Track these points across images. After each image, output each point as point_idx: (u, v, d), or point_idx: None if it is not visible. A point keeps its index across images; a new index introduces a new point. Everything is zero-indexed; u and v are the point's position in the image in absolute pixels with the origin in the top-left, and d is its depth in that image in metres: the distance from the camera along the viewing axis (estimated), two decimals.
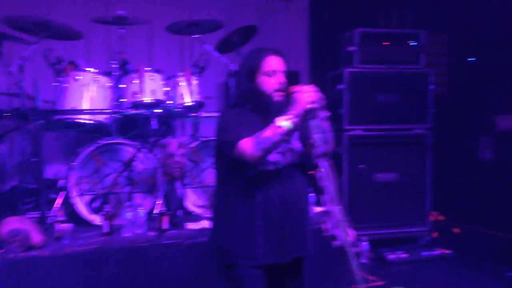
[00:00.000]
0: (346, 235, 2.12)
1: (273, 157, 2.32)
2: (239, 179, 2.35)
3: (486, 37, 5.96)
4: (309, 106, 2.21)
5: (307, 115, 2.23)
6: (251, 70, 2.37)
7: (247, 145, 2.22)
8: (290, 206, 2.35)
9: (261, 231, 2.33)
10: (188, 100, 4.36)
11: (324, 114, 2.28)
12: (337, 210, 2.13)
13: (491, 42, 5.90)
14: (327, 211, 2.16)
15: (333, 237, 2.17)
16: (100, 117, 4.10)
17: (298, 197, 2.38)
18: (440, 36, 6.51)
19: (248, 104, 2.38)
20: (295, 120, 2.21)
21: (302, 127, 2.34)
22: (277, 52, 2.39)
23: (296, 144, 2.43)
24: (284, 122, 2.19)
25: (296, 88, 2.26)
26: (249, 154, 2.21)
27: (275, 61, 2.36)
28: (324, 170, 2.15)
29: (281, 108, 2.28)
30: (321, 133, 2.19)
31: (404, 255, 4.81)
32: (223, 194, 2.47)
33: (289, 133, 2.23)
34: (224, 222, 2.44)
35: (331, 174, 2.14)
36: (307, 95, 2.21)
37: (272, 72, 2.34)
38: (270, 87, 2.34)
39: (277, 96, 2.34)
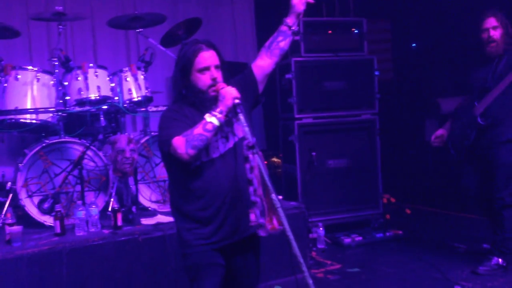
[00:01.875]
0: (284, 221, 2.15)
1: (216, 145, 2.37)
2: (182, 171, 2.38)
3: (427, 23, 6.16)
4: (234, 102, 2.26)
5: (234, 109, 2.28)
6: (184, 66, 2.40)
7: (178, 144, 2.25)
8: (238, 188, 2.39)
9: (206, 216, 2.38)
10: (135, 96, 4.30)
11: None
12: (273, 197, 2.16)
13: (433, 28, 6.10)
14: (253, 201, 2.20)
15: (259, 226, 2.21)
16: (45, 116, 3.99)
17: (244, 179, 2.38)
18: (383, 23, 6.68)
19: (185, 99, 2.41)
20: (223, 115, 2.27)
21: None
22: (209, 46, 2.40)
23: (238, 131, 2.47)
24: (212, 118, 2.25)
25: (221, 85, 2.32)
26: (181, 153, 2.25)
27: (208, 55, 2.37)
28: (251, 162, 2.18)
29: (216, 103, 2.32)
30: (246, 126, 2.23)
31: (359, 238, 4.93)
32: (174, 187, 2.51)
33: (218, 128, 2.27)
34: (179, 214, 2.47)
35: (261, 166, 2.17)
36: (231, 91, 2.27)
37: (205, 68, 2.36)
38: (204, 84, 2.37)
39: (211, 92, 2.37)
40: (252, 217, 2.23)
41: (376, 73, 5.36)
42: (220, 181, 2.37)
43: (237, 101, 2.25)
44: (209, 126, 2.25)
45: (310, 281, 2.10)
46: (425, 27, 6.20)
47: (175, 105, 2.46)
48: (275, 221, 2.24)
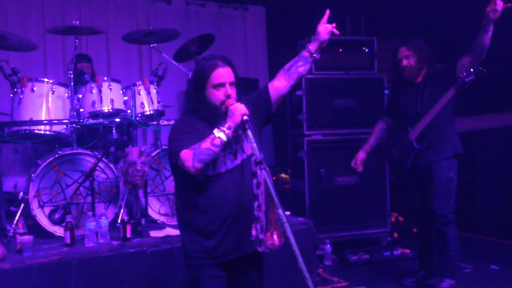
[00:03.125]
0: (290, 237, 2.17)
1: (223, 160, 2.40)
2: (190, 185, 2.42)
3: (436, 42, 6.18)
4: (244, 117, 2.29)
5: (242, 126, 2.31)
6: (200, 80, 2.44)
7: (186, 157, 2.29)
8: (243, 204, 2.41)
9: (211, 230, 2.41)
10: (147, 109, 4.36)
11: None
12: (280, 212, 2.18)
13: (441, 47, 6.12)
14: (256, 216, 2.22)
15: (259, 241, 2.23)
16: (59, 128, 4.05)
17: (247, 194, 2.41)
18: (393, 42, 6.70)
19: (197, 113, 2.45)
20: (231, 131, 2.31)
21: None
22: (226, 62, 2.44)
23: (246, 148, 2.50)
24: (220, 133, 2.29)
25: (230, 101, 2.36)
26: (188, 166, 2.29)
27: (224, 72, 2.41)
28: (258, 177, 2.21)
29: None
30: (254, 142, 2.26)
31: (366, 256, 4.92)
32: (180, 199, 2.55)
33: (226, 144, 2.31)
34: (184, 225, 2.51)
35: (268, 181, 2.19)
36: (240, 107, 2.31)
37: (220, 85, 2.40)
38: (218, 99, 2.41)
39: (225, 108, 2.40)
40: (253, 232, 2.26)
41: (386, 91, 5.39)
42: (225, 197, 2.40)
43: (245, 117, 2.29)
44: (217, 141, 2.28)
45: None
46: (434, 46, 6.21)
47: (186, 117, 2.50)
48: (275, 237, 2.25)
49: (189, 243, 2.47)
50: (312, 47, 2.59)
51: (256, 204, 2.22)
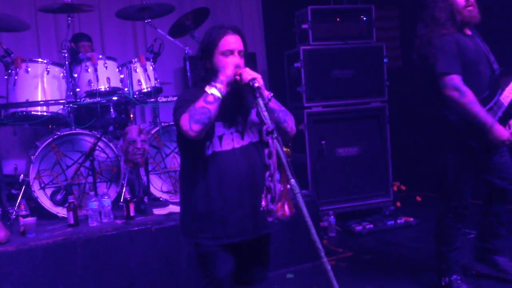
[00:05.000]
0: (303, 208, 2.13)
1: (230, 137, 2.35)
2: (197, 160, 2.36)
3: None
4: (235, 71, 2.23)
5: (252, 93, 2.22)
6: (208, 48, 2.35)
7: (184, 121, 2.22)
8: (250, 184, 2.36)
9: (220, 211, 2.35)
10: (145, 87, 4.30)
11: (268, 94, 2.29)
12: (292, 183, 2.14)
13: None
14: (267, 186, 2.18)
15: (269, 212, 2.20)
16: (55, 108, 4.00)
17: (258, 175, 2.38)
18: (390, 10, 6.62)
19: (204, 83, 2.35)
20: (223, 85, 2.23)
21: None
22: (236, 31, 2.36)
23: (255, 123, 2.44)
24: (212, 89, 2.22)
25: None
26: (186, 130, 2.20)
27: (233, 39, 2.33)
28: (270, 147, 2.16)
29: (236, 88, 2.30)
30: (266, 111, 2.20)
31: (370, 226, 4.93)
32: (185, 176, 2.48)
33: (219, 100, 2.23)
34: (188, 204, 2.44)
35: (279, 151, 2.15)
36: (234, 61, 2.25)
37: (229, 51, 2.32)
38: (227, 68, 2.31)
39: (236, 76, 2.31)
40: (263, 202, 2.22)
41: (385, 60, 5.33)
42: (233, 176, 2.33)
43: (256, 84, 2.20)
44: (210, 98, 2.21)
45: (329, 267, 2.08)
46: None
47: (193, 88, 2.43)
48: (286, 207, 2.22)
49: (193, 222, 2.40)
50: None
51: (267, 174, 2.16)
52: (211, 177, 2.34)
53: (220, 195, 2.34)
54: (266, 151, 2.16)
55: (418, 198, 5.84)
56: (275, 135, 2.14)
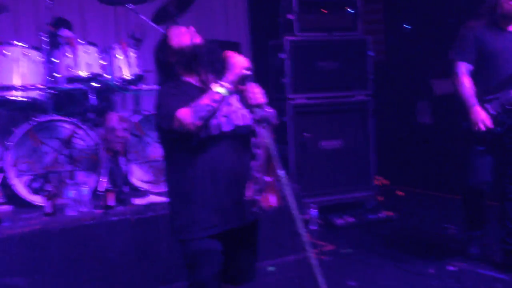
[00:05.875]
0: (291, 200, 2.08)
1: (216, 121, 2.26)
2: (182, 152, 2.29)
3: (420, 3, 6.09)
4: (243, 72, 2.19)
5: (241, 81, 2.20)
6: (162, 42, 2.39)
7: (184, 115, 2.15)
8: (238, 171, 2.29)
9: (209, 200, 2.28)
10: (126, 73, 4.20)
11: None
12: (281, 174, 2.09)
13: (426, 8, 6.04)
14: (254, 176, 2.13)
15: (254, 203, 2.14)
16: (34, 94, 3.88)
17: (245, 161, 2.32)
18: (375, 3, 6.60)
19: (175, 71, 2.33)
20: (230, 85, 2.18)
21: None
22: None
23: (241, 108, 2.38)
24: (220, 88, 2.17)
25: (229, 53, 2.24)
26: (188, 124, 2.15)
27: (179, 27, 2.40)
28: (258, 136, 2.11)
29: (211, 53, 2.29)
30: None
31: (351, 219, 4.92)
32: (170, 169, 2.40)
33: (224, 98, 2.18)
34: (175, 197, 2.37)
35: (268, 141, 2.09)
36: (241, 60, 2.20)
37: (180, 31, 2.36)
38: (186, 40, 2.33)
39: (197, 40, 2.32)
40: (249, 192, 2.17)
41: (370, 53, 5.30)
42: (221, 162, 2.27)
43: (246, 72, 2.17)
44: (216, 97, 2.16)
45: (315, 262, 2.03)
46: (418, 7, 6.14)
47: (170, 83, 2.36)
48: (272, 199, 2.17)
49: (183, 216, 2.32)
50: None
51: (254, 164, 2.12)
52: (200, 166, 2.27)
53: (209, 183, 2.27)
54: (254, 140, 2.11)
55: (400, 193, 5.88)
56: (265, 124, 2.08)
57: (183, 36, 2.35)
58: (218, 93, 2.16)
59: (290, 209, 2.05)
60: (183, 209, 2.32)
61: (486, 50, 3.52)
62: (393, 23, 6.62)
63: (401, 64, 6.42)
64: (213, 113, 2.17)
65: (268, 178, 2.15)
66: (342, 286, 3.57)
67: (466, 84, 3.54)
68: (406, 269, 3.77)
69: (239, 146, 2.32)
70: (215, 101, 2.15)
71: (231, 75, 2.18)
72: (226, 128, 2.27)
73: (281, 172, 2.08)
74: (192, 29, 2.39)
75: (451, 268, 3.74)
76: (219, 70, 2.27)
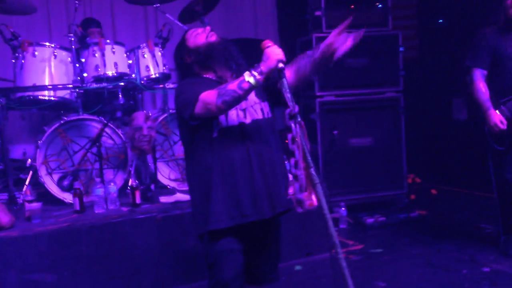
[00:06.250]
0: (322, 198, 2.02)
1: (235, 113, 2.25)
2: (202, 145, 2.27)
3: None
4: (279, 64, 2.12)
5: (275, 73, 2.14)
6: (180, 46, 2.41)
7: (209, 96, 2.13)
8: (259, 165, 2.26)
9: (228, 192, 2.25)
10: (153, 72, 4.23)
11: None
12: (312, 172, 2.03)
13: (460, 2, 5.89)
14: (295, 174, 2.06)
15: (298, 202, 2.09)
16: (63, 93, 3.96)
17: (268, 156, 2.29)
18: None
19: (193, 70, 2.36)
20: (262, 77, 2.12)
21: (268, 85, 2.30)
22: None
23: (266, 108, 2.36)
24: (250, 78, 2.10)
25: (267, 42, 2.17)
26: (212, 103, 2.12)
27: (195, 29, 2.42)
28: (293, 132, 2.05)
29: (225, 50, 2.29)
30: (289, 93, 2.09)
31: (382, 219, 4.81)
32: (191, 163, 2.39)
33: (253, 89, 2.14)
34: (196, 192, 2.36)
35: (302, 136, 2.04)
36: (277, 51, 2.13)
37: (196, 31, 2.38)
38: (201, 39, 2.35)
39: (212, 38, 2.33)
40: (291, 190, 2.11)
41: (401, 49, 5.18)
42: (242, 154, 2.24)
43: (281, 65, 2.11)
44: (245, 85, 2.10)
45: (344, 263, 1.97)
46: (452, 2, 5.98)
47: (188, 79, 2.37)
48: (313, 197, 2.11)
49: (200, 207, 2.31)
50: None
51: (293, 161, 2.04)
52: (220, 158, 2.24)
53: (231, 176, 2.24)
54: (290, 136, 2.04)
55: (434, 191, 5.73)
56: (298, 119, 2.03)
57: (199, 36, 2.37)
58: (247, 82, 2.10)
59: (322, 208, 1.99)
60: (203, 202, 2.29)
61: (498, 55, 3.69)
62: (427, 18, 6.48)
63: (435, 60, 6.27)
64: (237, 100, 2.13)
65: (304, 176, 2.09)
66: (371, 286, 3.49)
67: (482, 89, 3.71)
68: (438, 270, 3.67)
69: (261, 138, 2.29)
70: (242, 89, 2.11)
71: (264, 66, 2.12)
72: (244, 120, 2.26)
73: (312, 170, 2.02)
74: (208, 28, 2.40)
75: (485, 269, 3.62)
76: (236, 66, 2.27)
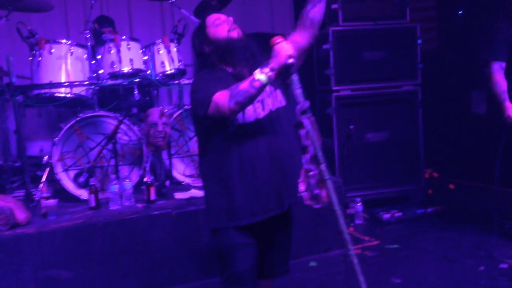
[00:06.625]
0: (332, 194, 2.01)
1: (252, 108, 2.23)
2: (218, 140, 2.27)
3: None
4: (289, 60, 2.10)
5: (286, 69, 2.12)
6: (199, 32, 2.35)
7: (222, 98, 2.12)
8: (276, 158, 2.25)
9: (245, 189, 2.24)
10: (168, 68, 4.24)
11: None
12: (322, 168, 2.01)
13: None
14: (308, 169, 2.05)
15: (314, 197, 2.07)
16: (79, 90, 4.00)
17: (285, 147, 2.28)
18: None
19: (209, 60, 2.30)
20: (273, 73, 2.10)
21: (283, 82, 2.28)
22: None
23: (279, 95, 2.34)
24: (261, 76, 2.09)
25: (277, 39, 2.15)
26: (224, 106, 2.10)
27: (218, 15, 2.34)
28: (305, 127, 2.04)
29: (246, 48, 2.24)
30: (300, 88, 2.08)
31: (398, 214, 4.76)
32: (206, 160, 2.37)
33: (265, 86, 2.12)
34: (210, 188, 2.36)
35: (314, 132, 2.03)
36: (286, 47, 2.11)
37: (219, 20, 2.31)
38: (223, 31, 2.28)
39: (234, 34, 2.27)
40: (302, 187, 2.08)
41: (419, 41, 5.10)
42: (256, 149, 2.23)
43: (291, 60, 2.09)
44: (256, 83, 2.08)
45: (355, 260, 1.94)
46: None
47: (205, 70, 2.34)
48: (324, 194, 2.10)
49: (216, 203, 2.31)
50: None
51: (307, 156, 2.02)
52: (236, 154, 2.24)
53: (247, 172, 2.24)
54: (302, 132, 2.03)
55: (451, 186, 5.65)
56: (310, 114, 2.02)
57: (220, 27, 2.30)
58: (258, 80, 2.08)
59: (332, 204, 1.98)
60: (220, 198, 2.29)
61: None
62: (446, 9, 6.35)
63: (455, 52, 6.15)
64: (250, 99, 2.12)
65: (316, 171, 2.08)
66: (386, 283, 3.47)
67: (500, 81, 3.83)
68: (454, 266, 3.64)
69: (278, 129, 2.27)
70: (254, 87, 2.09)
71: (274, 63, 2.10)
72: (260, 114, 2.25)
73: (323, 166, 2.01)
74: (231, 19, 2.33)
75: (503, 265, 3.57)
76: (255, 64, 2.21)
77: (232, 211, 2.26)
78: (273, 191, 2.26)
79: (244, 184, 2.24)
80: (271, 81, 2.12)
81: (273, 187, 2.26)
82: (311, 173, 2.05)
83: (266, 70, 2.09)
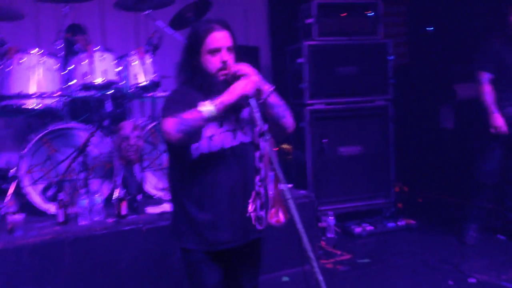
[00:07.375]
0: (294, 213, 2.01)
1: (219, 138, 2.21)
2: (182, 163, 2.24)
3: (444, 6, 5.95)
4: (240, 97, 2.07)
5: (240, 105, 2.11)
6: (194, 46, 2.22)
7: (168, 125, 2.08)
8: (241, 187, 2.24)
9: (211, 217, 2.23)
10: (142, 80, 4.19)
11: (268, 88, 2.17)
12: (283, 188, 2.02)
13: (450, 11, 5.89)
14: (257, 191, 2.07)
15: (258, 219, 2.08)
16: (49, 101, 3.90)
17: (250, 177, 2.24)
18: (398, 6, 6.47)
19: (192, 82, 2.23)
20: (221, 107, 2.06)
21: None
22: (223, 26, 2.22)
23: (247, 121, 2.31)
24: (210, 107, 2.05)
25: (242, 70, 2.11)
26: (168, 133, 2.07)
27: (220, 36, 2.19)
28: (261, 150, 2.04)
29: (225, 88, 2.14)
30: (257, 112, 2.06)
31: (370, 228, 4.81)
32: (173, 180, 2.36)
33: (212, 119, 2.09)
34: (177, 206, 2.34)
35: (271, 154, 2.02)
36: (246, 87, 2.07)
37: (216, 50, 2.18)
38: (214, 67, 2.18)
39: (221, 76, 2.18)
40: (250, 208, 2.10)
41: (390, 57, 5.18)
42: (223, 179, 2.21)
43: (244, 99, 2.07)
44: (203, 114, 2.04)
45: (320, 277, 1.94)
46: (442, 10, 5.99)
47: (184, 87, 2.27)
48: (280, 214, 2.11)
49: (178, 223, 2.30)
50: None
51: (258, 178, 2.05)
52: (199, 182, 2.22)
53: (210, 200, 2.23)
54: (257, 154, 2.05)
55: (420, 200, 5.73)
56: (267, 137, 2.02)
57: (213, 60, 2.17)
58: (207, 111, 2.04)
59: (295, 223, 1.97)
60: (179, 220, 2.30)
61: (503, 63, 4.14)
62: (416, 26, 6.48)
63: (424, 68, 6.27)
64: (194, 129, 2.07)
65: (273, 192, 2.08)
66: None
67: (488, 92, 4.18)
68: (424, 281, 3.68)
69: (242, 162, 2.26)
70: (199, 119, 2.05)
71: (226, 98, 2.06)
72: (228, 144, 2.22)
73: (284, 185, 2.01)
74: (230, 62, 2.18)
75: (472, 280, 3.63)
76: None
77: (193, 235, 2.26)
78: (229, 224, 2.24)
79: (202, 213, 2.24)
80: (220, 115, 2.08)
81: (230, 220, 2.24)
82: (259, 194, 2.07)
83: (217, 102, 2.05)
